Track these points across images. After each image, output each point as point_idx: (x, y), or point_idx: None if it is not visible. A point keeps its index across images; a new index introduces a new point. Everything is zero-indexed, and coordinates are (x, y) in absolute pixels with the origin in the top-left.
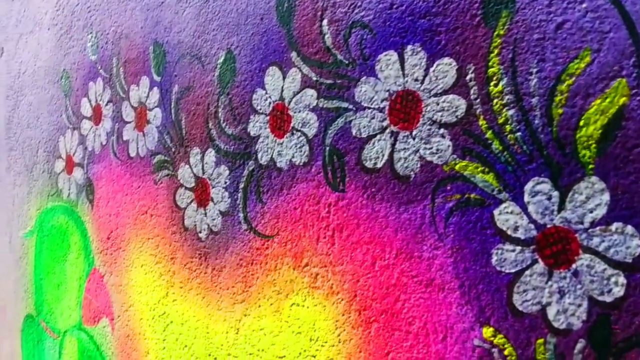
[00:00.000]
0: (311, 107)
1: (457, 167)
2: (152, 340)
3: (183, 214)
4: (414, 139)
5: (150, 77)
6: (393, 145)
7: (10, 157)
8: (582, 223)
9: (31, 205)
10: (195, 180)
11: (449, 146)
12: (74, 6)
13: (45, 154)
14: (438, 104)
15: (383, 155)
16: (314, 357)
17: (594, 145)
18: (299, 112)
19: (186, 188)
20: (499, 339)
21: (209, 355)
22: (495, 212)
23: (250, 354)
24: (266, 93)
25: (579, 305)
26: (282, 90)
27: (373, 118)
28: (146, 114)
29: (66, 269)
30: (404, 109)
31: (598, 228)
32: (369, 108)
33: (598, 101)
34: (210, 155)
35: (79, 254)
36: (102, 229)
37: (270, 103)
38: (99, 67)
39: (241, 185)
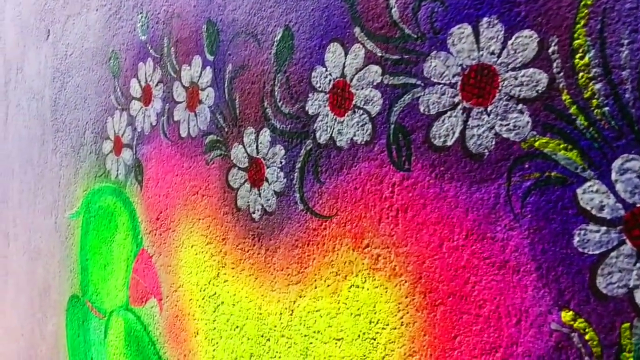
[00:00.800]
0: (375, 84)
1: (536, 144)
2: (201, 320)
3: (235, 194)
4: (488, 115)
5: (202, 56)
6: (465, 122)
7: (56, 139)
8: None
9: (77, 187)
10: (249, 160)
11: (528, 122)
12: None
13: (92, 135)
14: (516, 79)
15: (454, 133)
16: (374, 339)
17: None
18: (362, 89)
19: (239, 168)
20: (580, 323)
21: (262, 336)
22: (579, 190)
23: (305, 336)
24: (326, 70)
25: None
26: (344, 67)
27: (443, 94)
28: (198, 94)
29: (113, 249)
30: (479, 84)
31: None
32: (439, 84)
33: None
34: (265, 135)
35: (127, 234)
36: (152, 210)
37: (330, 80)
38: (149, 47)
39: (298, 165)
